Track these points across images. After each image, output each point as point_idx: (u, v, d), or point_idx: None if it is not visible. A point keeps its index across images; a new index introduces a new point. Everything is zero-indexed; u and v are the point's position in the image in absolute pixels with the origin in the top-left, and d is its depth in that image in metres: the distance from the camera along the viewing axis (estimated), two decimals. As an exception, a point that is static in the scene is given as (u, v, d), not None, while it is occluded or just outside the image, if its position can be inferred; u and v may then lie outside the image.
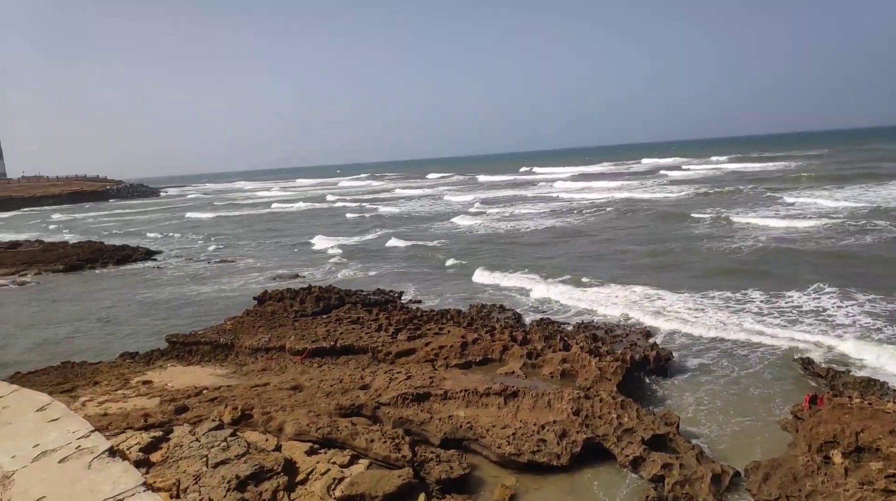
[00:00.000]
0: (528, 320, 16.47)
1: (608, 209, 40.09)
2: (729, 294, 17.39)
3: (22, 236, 48.73)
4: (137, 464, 7.52)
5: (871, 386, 10.74)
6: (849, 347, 12.78)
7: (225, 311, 19.18)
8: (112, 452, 3.76)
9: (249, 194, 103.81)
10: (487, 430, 9.02)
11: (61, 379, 13.07)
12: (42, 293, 25.35)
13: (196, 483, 7.10)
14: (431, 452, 8.45)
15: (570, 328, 15.31)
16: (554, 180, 77.97)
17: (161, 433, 8.56)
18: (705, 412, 10.55)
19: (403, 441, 8.44)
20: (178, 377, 12.79)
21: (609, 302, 17.60)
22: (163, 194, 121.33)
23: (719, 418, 10.23)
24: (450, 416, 9.47)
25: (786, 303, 16.19)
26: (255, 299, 19.27)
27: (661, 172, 79.33)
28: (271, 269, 27.41)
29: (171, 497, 6.09)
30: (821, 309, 15.45)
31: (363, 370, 12.29)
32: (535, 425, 9.03)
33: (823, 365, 11.88)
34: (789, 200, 37.36)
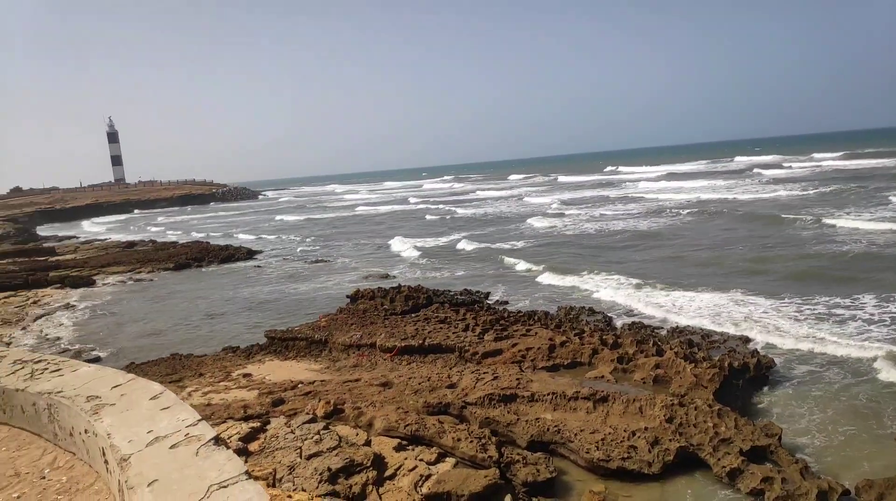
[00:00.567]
0: (619, 323, 16.07)
1: (693, 211, 38.18)
2: (833, 301, 16.28)
3: (135, 237, 52.63)
4: (237, 453, 7.96)
5: None
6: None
7: (319, 308, 19.89)
8: (217, 440, 4.01)
9: (338, 197, 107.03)
10: (575, 434, 8.89)
11: (170, 370, 14.01)
12: (155, 290, 27.25)
13: (290, 473, 7.43)
14: (518, 454, 8.43)
15: (663, 332, 14.82)
16: (639, 180, 75.25)
17: (259, 424, 9.01)
18: (810, 424, 9.91)
19: (490, 442, 8.46)
20: (276, 370, 13.41)
21: (693, 308, 16.84)
22: (261, 197, 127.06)
23: (826, 431, 9.58)
24: (537, 418, 9.41)
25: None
26: (347, 297, 19.90)
27: (756, 170, 75.08)
28: (363, 269, 28.19)
29: (268, 485, 6.41)
30: None
31: (450, 369, 12.42)
32: (625, 431, 8.82)
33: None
34: None
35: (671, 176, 78.68)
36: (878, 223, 27.32)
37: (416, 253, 31.56)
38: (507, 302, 19.43)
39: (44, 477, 4.73)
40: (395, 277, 25.28)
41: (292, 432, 8.54)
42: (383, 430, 8.88)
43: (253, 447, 8.40)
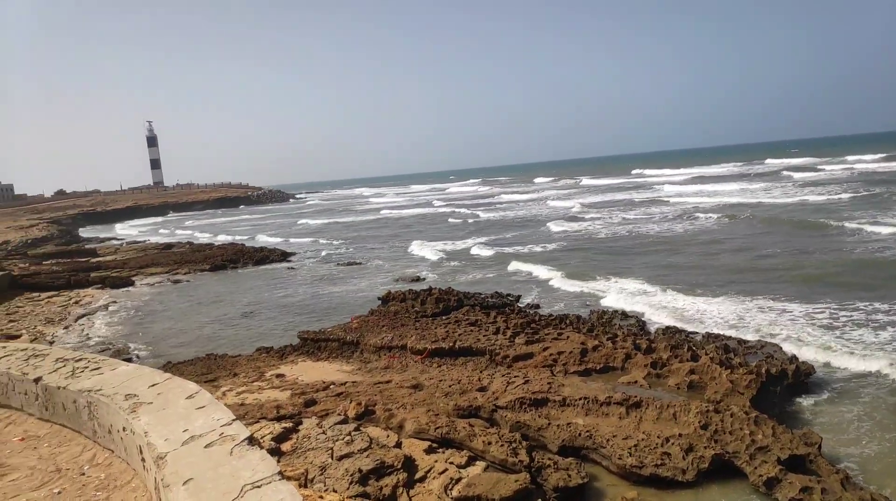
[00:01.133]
0: (652, 328, 15.85)
1: (717, 215, 37.28)
2: (872, 306, 15.86)
3: (171, 239, 53.76)
4: (270, 453, 8.07)
5: None
6: None
7: (351, 310, 20.05)
8: (251, 440, 4.06)
9: (364, 200, 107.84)
10: (608, 440, 8.79)
11: (205, 370, 14.26)
12: (191, 290, 27.80)
13: (322, 473, 7.50)
14: (549, 458, 8.36)
15: (698, 337, 14.56)
16: (665, 183, 74.15)
17: (291, 424, 9.11)
18: (851, 433, 9.64)
19: (521, 446, 8.42)
20: (308, 371, 13.55)
21: (716, 315, 16.54)
22: (291, 200, 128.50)
23: (867, 441, 9.31)
24: (568, 423, 9.32)
25: None
26: (379, 299, 20.02)
27: (785, 173, 73.43)
28: (394, 271, 28.34)
29: (300, 486, 6.48)
30: None
31: (481, 372, 12.39)
32: (658, 437, 8.68)
33: None
34: None
35: (700, 179, 77.45)
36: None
37: (434, 257, 31.66)
38: (538, 306, 19.33)
39: (83, 474, 4.85)
40: (424, 279, 25.35)
41: (324, 433, 8.61)
42: (414, 432, 8.90)
43: (285, 447, 8.50)
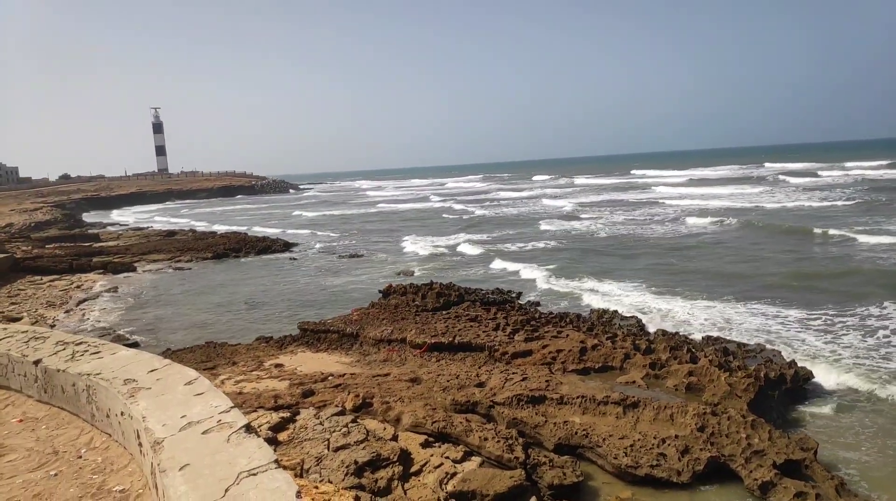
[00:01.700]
0: (652, 329, 15.84)
1: (709, 219, 37.04)
2: (868, 312, 15.92)
3: (173, 226, 53.78)
4: (266, 442, 8.10)
5: None
6: None
7: (352, 302, 20.07)
8: (248, 428, 4.08)
9: (362, 193, 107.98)
10: (604, 439, 8.80)
11: (204, 358, 14.30)
12: (193, 278, 27.84)
13: (318, 464, 7.52)
14: (545, 456, 8.38)
15: (698, 339, 14.56)
16: (663, 185, 73.99)
17: (289, 414, 9.13)
18: (850, 440, 9.64)
19: (517, 442, 8.43)
20: (307, 362, 13.58)
21: (692, 320, 16.54)
22: (291, 191, 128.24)
23: (868, 448, 9.31)
24: (565, 421, 9.33)
25: None
26: (380, 292, 20.02)
27: (781, 177, 73.42)
28: (396, 265, 28.35)
29: (296, 475, 6.50)
30: None
31: (479, 367, 12.40)
32: (655, 438, 8.69)
33: None
34: None
35: (696, 181, 77.38)
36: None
37: (424, 252, 31.71)
38: (538, 303, 19.33)
39: (80, 457, 4.88)
40: (425, 274, 25.38)
41: (321, 423, 8.64)
42: (411, 426, 8.92)
43: (282, 436, 8.53)
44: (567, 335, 13.95)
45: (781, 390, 11.15)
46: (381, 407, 9.59)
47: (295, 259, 32.00)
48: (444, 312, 17.15)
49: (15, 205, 73.44)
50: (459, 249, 32.33)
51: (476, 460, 8.13)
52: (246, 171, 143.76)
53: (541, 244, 32.17)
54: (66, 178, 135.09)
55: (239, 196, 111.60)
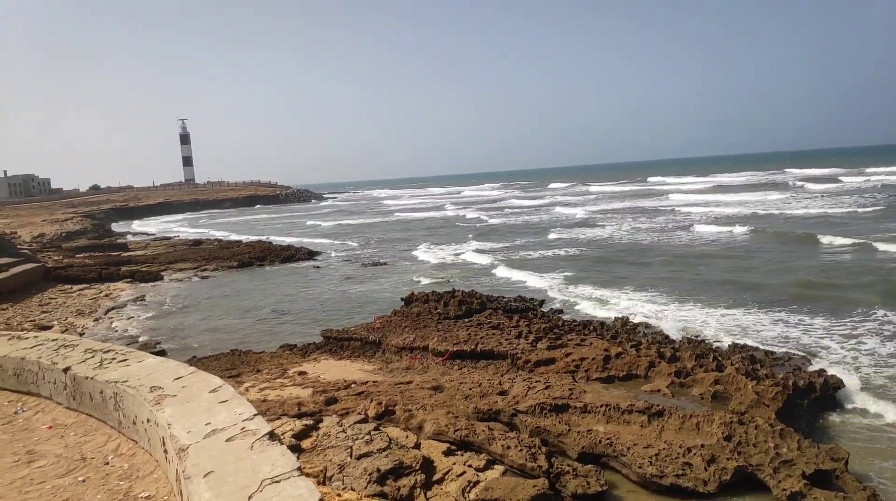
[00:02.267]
0: (677, 337, 15.64)
1: (727, 226, 36.28)
2: (888, 318, 15.65)
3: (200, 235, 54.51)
4: (290, 450, 8.15)
5: None
6: None
7: (375, 310, 20.16)
8: (272, 436, 4.11)
9: (380, 202, 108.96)
10: (628, 448, 8.70)
11: (229, 365, 14.45)
12: (218, 287, 28.19)
13: (340, 472, 7.55)
14: (568, 465, 8.30)
15: (724, 347, 14.35)
16: (676, 192, 73.29)
17: (312, 421, 9.19)
18: (882, 448, 9.41)
19: (540, 451, 8.37)
20: (330, 369, 13.65)
21: (706, 328, 16.29)
22: (313, 200, 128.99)
23: (898, 459, 9.08)
24: (589, 430, 9.25)
25: None
26: (402, 299, 20.08)
27: (800, 183, 72.29)
28: (418, 273, 28.42)
29: (319, 483, 6.53)
30: None
31: (502, 376, 12.35)
32: (680, 447, 8.57)
33: None
34: None
35: (715, 188, 76.58)
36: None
37: (435, 260, 31.77)
38: (561, 310, 19.21)
39: (107, 463, 4.95)
40: (449, 281, 25.38)
41: (344, 431, 8.67)
42: (433, 434, 8.91)
43: (305, 444, 8.58)
44: (590, 343, 13.84)
45: (810, 398, 10.93)
46: (403, 415, 9.60)
47: (318, 267, 32.24)
48: (466, 320, 17.13)
49: (47, 215, 75.18)
50: (467, 258, 32.30)
51: (499, 468, 8.09)
52: (271, 181, 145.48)
53: (550, 253, 31.97)
54: (96, 188, 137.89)
55: (257, 206, 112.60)
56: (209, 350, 16.67)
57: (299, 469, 3.60)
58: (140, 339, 18.46)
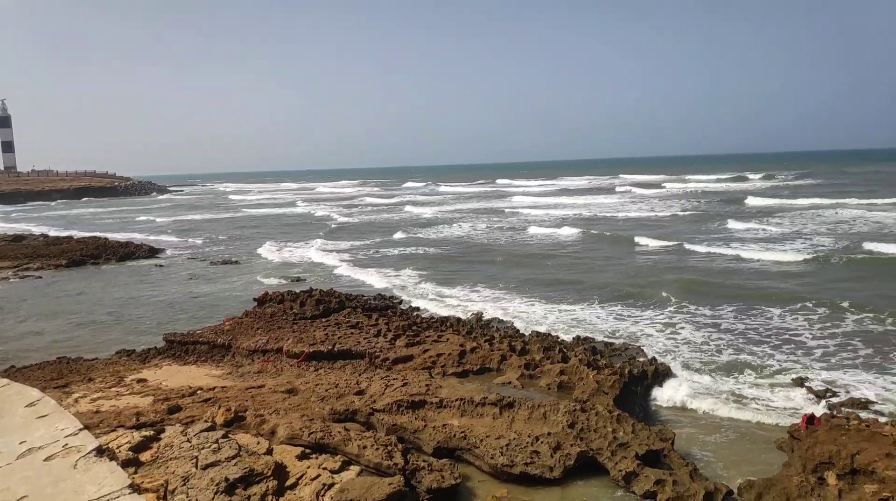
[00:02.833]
0: (527, 331, 16.43)
1: (558, 230, 38.66)
2: (699, 311, 17.67)
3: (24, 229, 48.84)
4: (126, 463, 7.50)
5: (869, 409, 10.68)
6: (838, 373, 12.77)
7: (224, 311, 19.17)
8: (100, 451, 3.73)
9: (226, 197, 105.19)
10: (481, 440, 8.98)
11: (56, 375, 13.06)
12: (44, 288, 25.39)
13: (184, 484, 7.08)
14: (424, 460, 8.41)
15: (569, 340, 15.27)
16: (521, 194, 77.96)
17: (152, 432, 8.53)
18: (701, 429, 10.51)
19: (396, 449, 8.40)
20: (174, 376, 12.78)
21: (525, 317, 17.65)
22: (154, 194, 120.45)
23: (715, 435, 10.19)
24: (444, 425, 9.43)
25: (760, 324, 16.25)
26: (255, 300, 19.27)
27: (623, 188, 79.81)
28: (271, 272, 27.46)
29: (159, 497, 6.06)
30: (793, 330, 15.65)
31: (360, 375, 12.26)
32: (529, 436, 8.99)
33: (821, 387, 11.82)
34: (736, 226, 36.29)
35: (561, 191, 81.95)
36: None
37: (277, 259, 31.34)
38: (418, 308, 19.44)
39: None
40: (305, 280, 24.76)
41: (188, 441, 8.13)
42: (286, 438, 8.63)
43: (145, 457, 7.94)
44: (447, 339, 14.13)
45: (644, 385, 11.96)
46: (254, 421, 9.20)
47: (161, 266, 30.11)
48: (323, 319, 16.80)
49: None
50: (314, 256, 31.81)
51: (355, 469, 8.01)
52: (108, 171, 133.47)
53: (395, 251, 32.35)
54: None
55: (84, 199, 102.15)
56: (32, 359, 14.93)
57: (132, 485, 3.30)
58: (-57, 349, 16.13)
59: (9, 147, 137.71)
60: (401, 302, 20.06)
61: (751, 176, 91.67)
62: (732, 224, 37.25)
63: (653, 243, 30.82)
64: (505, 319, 17.61)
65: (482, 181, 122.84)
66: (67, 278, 27.73)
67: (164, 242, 40.73)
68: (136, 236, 42.93)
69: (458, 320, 17.08)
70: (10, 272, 28.65)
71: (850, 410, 10.44)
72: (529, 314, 18.18)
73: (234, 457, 7.59)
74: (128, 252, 33.22)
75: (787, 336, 15.18)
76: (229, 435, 8.39)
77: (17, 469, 3.53)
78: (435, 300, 20.52)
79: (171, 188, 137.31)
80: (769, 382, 12.38)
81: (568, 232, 37.09)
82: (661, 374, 12.45)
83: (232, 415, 9.25)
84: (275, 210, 68.51)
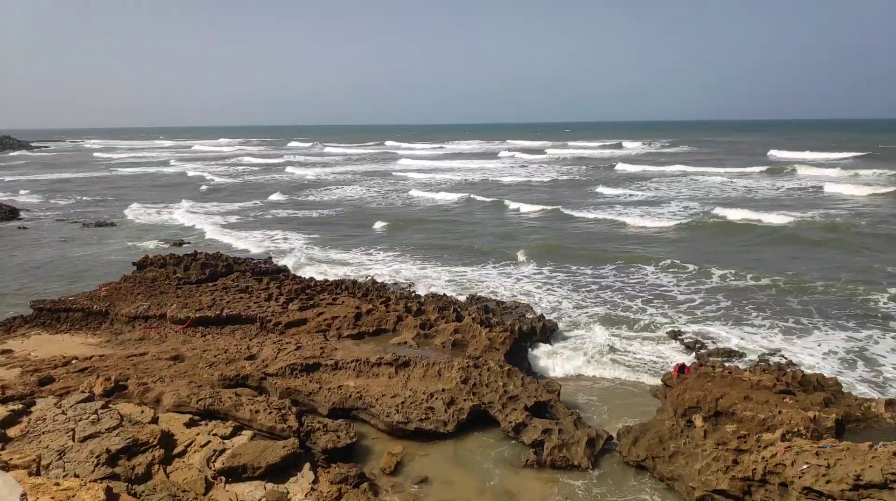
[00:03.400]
0: (422, 291, 16.60)
1: (442, 194, 39.49)
2: (580, 270, 18.71)
3: None
4: (-8, 440, 6.92)
5: (732, 357, 11.77)
6: (712, 325, 13.94)
7: (98, 276, 17.94)
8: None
9: (94, 154, 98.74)
10: (377, 399, 9.04)
11: None
12: None
13: (60, 458, 6.65)
14: (319, 422, 8.37)
15: (463, 299, 15.59)
16: (407, 157, 77.96)
17: (22, 406, 7.92)
18: (586, 380, 11.16)
19: (290, 412, 8.29)
20: (44, 345, 11.87)
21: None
22: (8, 151, 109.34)
23: (598, 386, 10.86)
24: (339, 386, 9.40)
25: (637, 281, 17.54)
26: (134, 264, 18.12)
27: (505, 152, 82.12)
28: (152, 233, 25.96)
29: (30, 474, 5.63)
30: (665, 284, 17.17)
31: (250, 340, 11.94)
32: (424, 393, 9.15)
33: (691, 338, 12.86)
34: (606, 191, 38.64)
35: (451, 156, 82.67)
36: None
37: (144, 220, 30.49)
38: (302, 276, 19.09)
39: None
40: (188, 243, 23.59)
41: (63, 413, 7.61)
42: (173, 406, 8.28)
43: (13, 432, 7.36)
44: (343, 302, 14.01)
45: (532, 340, 12.48)
46: (137, 389, 8.74)
47: (26, 228, 27.61)
48: (210, 284, 16.11)
49: None
50: (181, 218, 30.76)
51: (247, 434, 7.83)
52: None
53: (268, 214, 31.75)
54: None
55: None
56: None
57: (-2, 461, 3.05)
58: None
59: None
60: (286, 268, 19.60)
61: (627, 144, 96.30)
62: (602, 189, 39.60)
63: (531, 208, 32.07)
64: (400, 281, 17.72)
65: (372, 143, 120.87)
66: (-89, 242, 24.81)
67: (27, 203, 37.29)
68: (29, 200, 39.17)
69: (354, 282, 16.96)
70: None
71: (717, 359, 11.45)
72: (422, 278, 18.44)
73: (115, 428, 7.20)
74: (-16, 213, 30.13)
75: (658, 292, 16.39)
76: (110, 406, 7.93)
77: None
78: (320, 264, 20.40)
79: (33, 144, 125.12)
80: (644, 335, 13.33)
81: (453, 197, 37.68)
82: (549, 330, 13.04)
83: (112, 384, 8.74)
84: (148, 169, 65.41)
